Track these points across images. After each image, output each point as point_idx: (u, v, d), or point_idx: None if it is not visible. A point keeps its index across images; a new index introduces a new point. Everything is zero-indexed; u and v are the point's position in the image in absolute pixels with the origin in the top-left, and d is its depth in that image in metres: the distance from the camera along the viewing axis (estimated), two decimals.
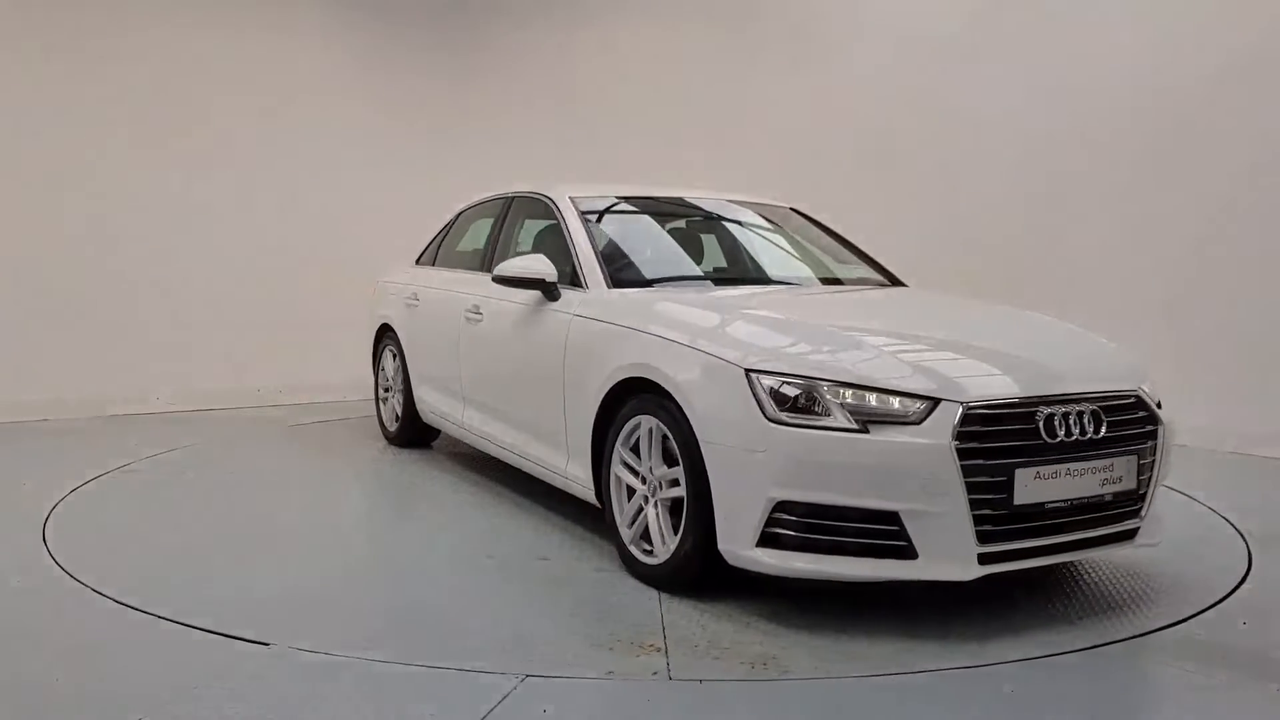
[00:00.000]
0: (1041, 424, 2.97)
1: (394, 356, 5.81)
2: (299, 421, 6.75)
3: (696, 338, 3.34)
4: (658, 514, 3.41)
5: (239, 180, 7.42)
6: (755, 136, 7.97)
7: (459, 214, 5.85)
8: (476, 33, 8.47)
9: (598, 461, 3.69)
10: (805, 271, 4.61)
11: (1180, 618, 3.18)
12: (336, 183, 7.84)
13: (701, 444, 3.13)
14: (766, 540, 3.00)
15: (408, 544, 4.15)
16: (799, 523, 2.95)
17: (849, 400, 2.95)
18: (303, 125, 7.72)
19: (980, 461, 2.88)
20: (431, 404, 5.32)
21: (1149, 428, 3.23)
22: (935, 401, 2.92)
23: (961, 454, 2.86)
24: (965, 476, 2.85)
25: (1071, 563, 3.66)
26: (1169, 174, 6.24)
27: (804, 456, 2.92)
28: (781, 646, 2.92)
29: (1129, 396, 3.22)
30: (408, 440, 5.75)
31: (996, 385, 3.06)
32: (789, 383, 3.00)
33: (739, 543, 3.06)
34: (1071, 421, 3.01)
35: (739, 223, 4.90)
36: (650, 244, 4.69)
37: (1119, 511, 3.17)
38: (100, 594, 3.29)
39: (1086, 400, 3.08)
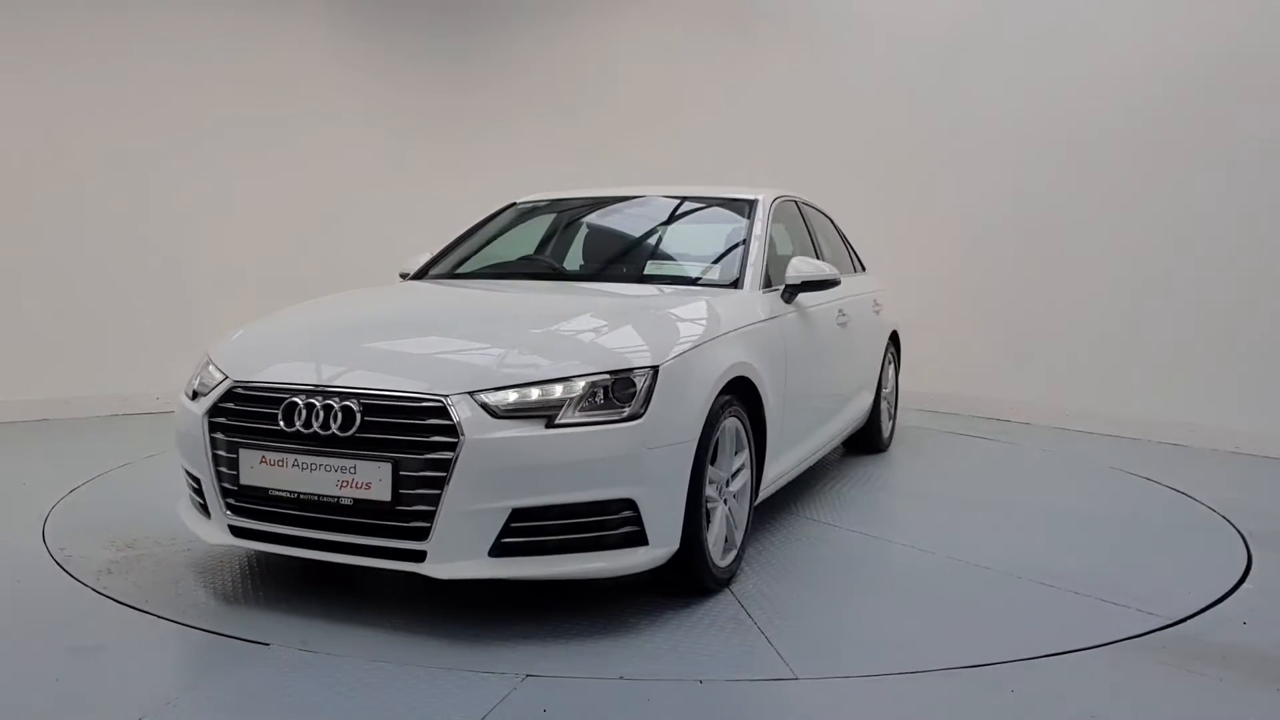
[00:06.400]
0: (281, 410, 3.00)
1: None
2: None
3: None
4: None
5: (239, 182, 7.42)
6: (757, 136, 7.97)
7: None
8: (478, 38, 8.47)
9: None
10: (651, 270, 4.28)
11: (1180, 618, 3.18)
12: (337, 187, 7.84)
13: None
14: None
15: None
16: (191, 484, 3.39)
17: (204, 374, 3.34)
18: (304, 130, 7.72)
19: (222, 436, 3.11)
20: None
21: (436, 439, 2.82)
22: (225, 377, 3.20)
23: (212, 426, 3.13)
24: (212, 449, 3.12)
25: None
26: (1168, 173, 6.24)
27: (177, 423, 3.37)
28: (162, 587, 3.33)
29: (424, 400, 2.86)
30: None
31: (283, 370, 3.15)
32: (211, 362, 3.34)
33: None
34: (314, 415, 2.94)
35: (665, 222, 4.71)
36: (524, 244, 4.79)
37: (383, 525, 2.88)
38: (100, 594, 3.30)
39: (355, 396, 2.92)
